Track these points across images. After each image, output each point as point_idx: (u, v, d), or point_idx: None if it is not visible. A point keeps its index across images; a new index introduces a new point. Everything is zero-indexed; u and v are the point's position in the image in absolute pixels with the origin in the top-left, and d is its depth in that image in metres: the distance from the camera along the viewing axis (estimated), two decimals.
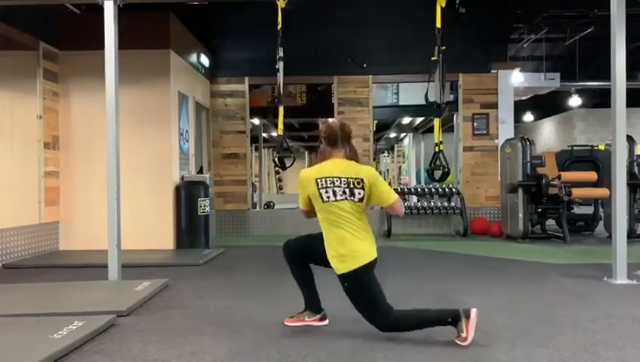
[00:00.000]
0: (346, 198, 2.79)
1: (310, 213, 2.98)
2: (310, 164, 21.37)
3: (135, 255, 5.58)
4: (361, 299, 2.84)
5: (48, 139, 6.15)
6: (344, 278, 2.82)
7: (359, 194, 2.80)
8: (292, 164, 6.70)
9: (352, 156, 2.95)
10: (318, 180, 2.82)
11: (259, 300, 3.85)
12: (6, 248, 5.36)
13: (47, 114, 6.13)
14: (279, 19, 5.96)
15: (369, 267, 2.80)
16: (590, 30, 8.92)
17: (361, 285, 2.81)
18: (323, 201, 2.81)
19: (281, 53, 6.15)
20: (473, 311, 2.69)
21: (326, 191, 2.80)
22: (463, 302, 3.68)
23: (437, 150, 6.04)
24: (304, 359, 2.54)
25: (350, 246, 2.79)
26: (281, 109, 6.25)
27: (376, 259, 2.83)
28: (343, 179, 2.80)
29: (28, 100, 5.96)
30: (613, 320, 3.20)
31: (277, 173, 18.49)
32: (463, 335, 2.67)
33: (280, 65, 6.15)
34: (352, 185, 2.80)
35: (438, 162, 6.03)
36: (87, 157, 6.35)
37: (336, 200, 2.79)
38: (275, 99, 6.38)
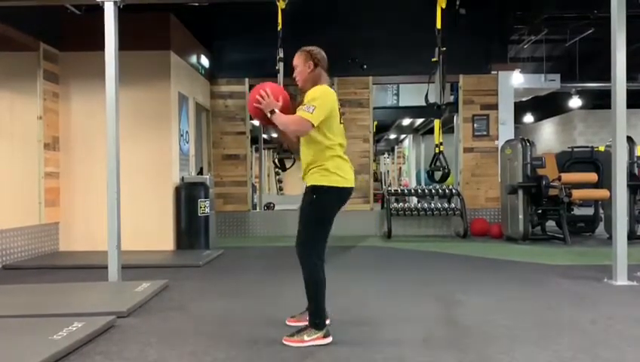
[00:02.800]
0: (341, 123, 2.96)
1: (297, 141, 2.97)
2: None
3: (135, 256, 5.58)
4: (310, 214, 2.88)
5: (48, 139, 6.16)
6: (319, 190, 2.84)
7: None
8: (292, 165, 6.70)
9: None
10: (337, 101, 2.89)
11: (258, 301, 3.85)
12: (6, 249, 5.36)
13: (48, 115, 6.14)
14: (279, 20, 5.96)
15: (347, 192, 2.91)
16: (590, 31, 8.92)
17: (323, 203, 2.86)
18: (340, 122, 2.91)
19: (281, 54, 6.16)
20: (329, 338, 2.78)
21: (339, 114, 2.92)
22: (462, 303, 3.69)
23: (437, 151, 6.05)
24: (304, 359, 2.54)
25: (348, 169, 2.91)
26: None
27: (352, 188, 2.94)
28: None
29: (28, 101, 5.96)
30: (613, 322, 3.20)
31: (277, 174, 18.48)
32: (303, 338, 2.75)
33: (280, 66, 6.16)
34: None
35: (438, 163, 6.04)
36: (87, 158, 6.35)
37: (341, 123, 2.94)
38: None
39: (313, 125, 2.75)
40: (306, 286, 2.84)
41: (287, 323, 3.11)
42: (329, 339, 2.80)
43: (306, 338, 2.76)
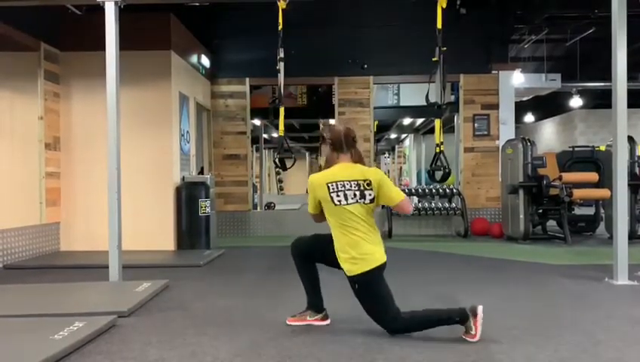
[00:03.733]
0: (357, 201, 2.85)
1: (320, 217, 3.01)
2: (311, 165, 21.43)
3: (136, 256, 5.58)
4: (371, 300, 2.87)
5: (49, 139, 6.16)
6: (355, 280, 2.86)
7: (370, 195, 2.86)
8: (292, 164, 6.70)
9: (358, 159, 2.98)
10: (329, 184, 2.86)
11: (259, 301, 3.85)
12: (7, 249, 5.37)
13: (48, 115, 6.14)
14: (280, 20, 5.96)
15: (379, 269, 2.86)
16: (591, 31, 8.91)
17: (371, 287, 2.85)
18: (335, 205, 2.85)
19: (281, 54, 6.15)
20: (480, 308, 2.75)
21: (337, 195, 2.84)
22: (461, 302, 3.68)
23: (438, 151, 6.04)
24: (304, 359, 2.54)
25: (362, 249, 2.84)
26: (281, 110, 6.25)
27: (385, 262, 2.89)
28: (353, 183, 2.85)
29: (29, 101, 5.97)
30: (614, 321, 3.20)
31: (278, 173, 18.47)
32: (472, 332, 2.74)
33: (280, 65, 6.15)
34: (362, 188, 2.85)
35: (439, 163, 6.02)
36: (88, 158, 6.35)
37: (347, 204, 2.84)
38: (276, 100, 6.37)
39: (311, 214, 2.99)
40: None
41: (288, 322, 3.13)
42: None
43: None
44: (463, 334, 2.78)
